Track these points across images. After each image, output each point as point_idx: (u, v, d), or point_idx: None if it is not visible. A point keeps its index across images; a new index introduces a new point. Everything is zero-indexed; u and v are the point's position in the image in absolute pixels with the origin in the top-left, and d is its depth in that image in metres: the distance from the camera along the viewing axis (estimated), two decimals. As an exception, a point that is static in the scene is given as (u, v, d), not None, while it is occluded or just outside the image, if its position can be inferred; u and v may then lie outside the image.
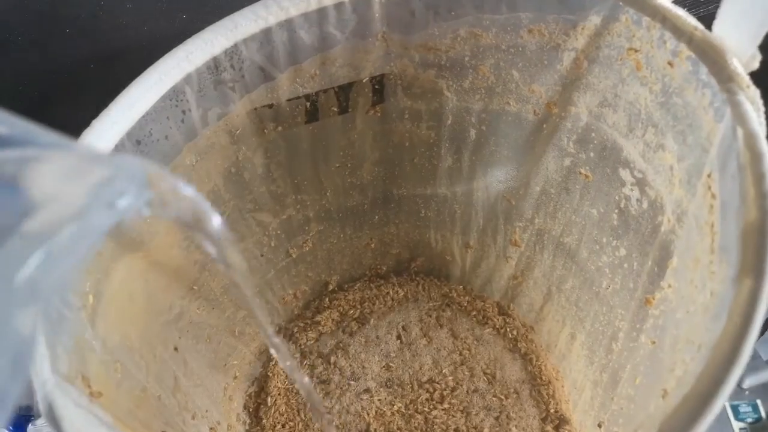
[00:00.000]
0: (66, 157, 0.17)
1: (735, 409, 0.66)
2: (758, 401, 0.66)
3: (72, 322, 0.29)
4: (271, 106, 0.41)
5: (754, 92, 0.25)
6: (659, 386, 0.29)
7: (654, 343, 0.33)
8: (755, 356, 0.70)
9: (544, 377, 0.55)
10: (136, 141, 0.34)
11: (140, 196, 0.18)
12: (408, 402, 0.54)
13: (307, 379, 0.52)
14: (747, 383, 0.68)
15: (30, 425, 0.49)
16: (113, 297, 0.34)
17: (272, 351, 0.33)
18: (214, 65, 0.36)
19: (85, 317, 0.30)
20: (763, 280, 0.21)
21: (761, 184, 0.23)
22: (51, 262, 0.15)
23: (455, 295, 0.60)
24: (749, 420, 0.64)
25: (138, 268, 0.36)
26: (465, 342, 0.57)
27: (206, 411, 0.45)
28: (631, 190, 0.37)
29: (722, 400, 0.20)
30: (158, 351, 0.39)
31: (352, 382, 0.55)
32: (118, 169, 0.18)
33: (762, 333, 0.54)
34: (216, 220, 0.22)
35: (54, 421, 0.23)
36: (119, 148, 0.32)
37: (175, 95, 0.35)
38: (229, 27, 0.36)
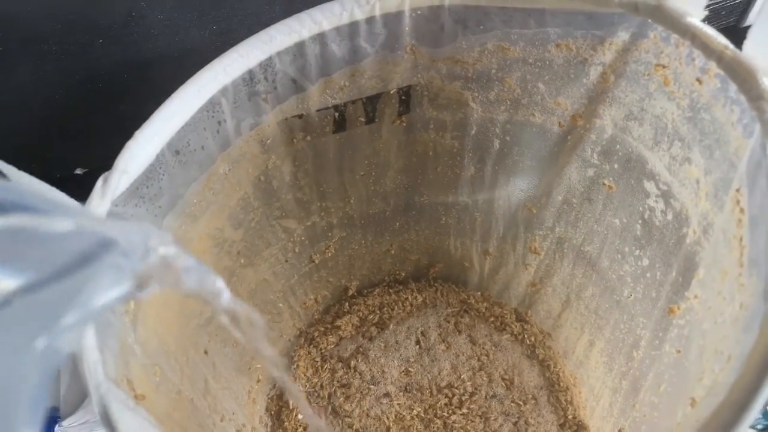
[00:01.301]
0: (64, 226, 0.16)
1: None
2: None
3: (117, 328, 0.30)
4: (301, 116, 0.42)
5: (784, 110, 0.26)
6: (686, 395, 0.30)
7: (679, 352, 0.34)
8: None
9: (562, 383, 0.55)
10: (175, 151, 0.35)
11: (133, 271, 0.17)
12: (427, 407, 0.55)
13: (317, 419, 0.52)
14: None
15: (57, 426, 0.50)
16: (151, 302, 0.35)
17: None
18: (249, 77, 0.37)
19: (128, 322, 0.31)
20: (795, 294, 0.22)
21: (792, 201, 0.24)
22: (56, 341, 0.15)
23: (473, 301, 0.61)
24: (759, 427, 0.64)
25: (174, 274, 0.37)
26: (483, 348, 0.58)
27: (233, 413, 0.46)
28: (656, 201, 0.37)
29: (757, 410, 0.21)
30: (190, 354, 0.40)
31: (372, 387, 0.56)
32: (122, 238, 0.17)
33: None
34: (225, 294, 0.22)
35: (109, 423, 0.24)
36: (160, 158, 0.33)
37: (212, 107, 0.36)
38: (265, 40, 0.37)
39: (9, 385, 0.14)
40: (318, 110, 0.42)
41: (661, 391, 0.36)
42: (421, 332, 0.60)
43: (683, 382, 0.32)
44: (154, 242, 0.18)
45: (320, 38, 0.38)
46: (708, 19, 0.47)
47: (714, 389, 0.26)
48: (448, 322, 0.60)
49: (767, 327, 0.23)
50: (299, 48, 0.38)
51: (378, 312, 0.61)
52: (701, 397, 0.27)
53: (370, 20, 0.38)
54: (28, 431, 0.15)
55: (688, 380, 0.31)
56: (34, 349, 0.15)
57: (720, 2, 0.44)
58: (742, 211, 0.28)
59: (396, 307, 0.61)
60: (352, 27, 0.38)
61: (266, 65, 0.38)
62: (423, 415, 0.54)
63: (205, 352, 0.43)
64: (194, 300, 0.42)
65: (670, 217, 0.37)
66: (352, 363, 0.57)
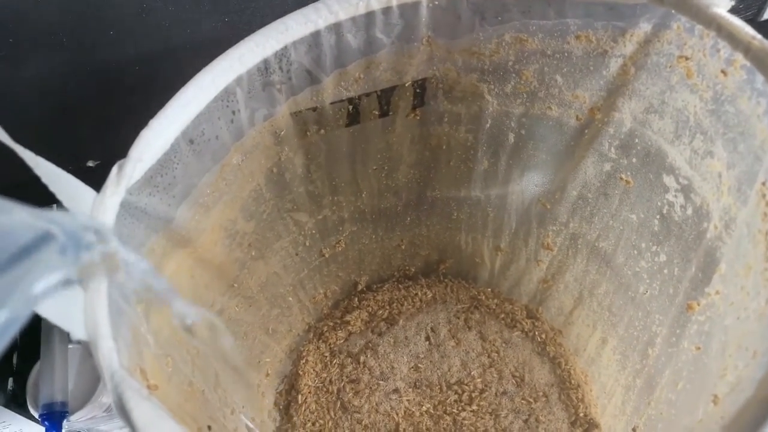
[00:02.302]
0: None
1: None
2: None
3: (130, 316, 0.30)
4: (315, 108, 0.41)
5: (814, 102, 0.26)
6: (707, 392, 0.29)
7: (699, 348, 0.33)
8: None
9: (573, 381, 0.55)
10: (189, 140, 0.34)
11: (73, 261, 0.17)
12: (436, 403, 0.55)
13: None
14: None
15: (65, 421, 0.50)
16: (164, 293, 0.34)
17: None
18: (264, 67, 0.37)
19: (140, 311, 0.31)
20: (827, 288, 0.22)
21: (823, 194, 0.23)
22: None
23: (483, 297, 0.61)
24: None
25: (186, 264, 0.37)
26: (493, 344, 0.58)
27: (243, 407, 0.46)
28: (675, 196, 0.37)
29: (788, 406, 0.21)
30: (202, 346, 0.39)
31: (381, 382, 0.56)
32: (61, 231, 0.17)
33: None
34: (173, 296, 0.22)
35: (124, 411, 0.24)
36: (174, 147, 0.33)
37: (226, 96, 0.36)
38: (280, 30, 0.37)
39: None
40: (332, 103, 0.42)
41: (680, 389, 0.35)
42: (431, 328, 0.59)
43: (704, 378, 0.31)
44: (92, 237, 0.18)
45: (336, 28, 0.38)
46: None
47: (739, 385, 0.25)
48: (458, 318, 0.60)
49: (797, 322, 0.22)
50: (315, 38, 0.38)
51: (387, 307, 0.60)
52: (725, 393, 0.27)
53: (386, 11, 0.38)
54: None
55: (709, 377, 0.30)
56: None
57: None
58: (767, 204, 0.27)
59: (406, 303, 0.61)
60: (369, 17, 0.38)
61: (281, 55, 0.37)
62: (432, 412, 0.54)
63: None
64: (206, 290, 0.42)
65: (689, 212, 0.36)
66: (362, 358, 0.57)
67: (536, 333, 0.58)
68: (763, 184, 0.28)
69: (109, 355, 0.25)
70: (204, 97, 0.34)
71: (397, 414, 0.54)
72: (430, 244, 0.59)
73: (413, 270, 0.62)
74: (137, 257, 0.20)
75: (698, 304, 0.34)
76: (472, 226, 0.56)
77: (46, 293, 0.16)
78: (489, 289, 0.61)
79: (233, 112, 0.37)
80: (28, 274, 0.16)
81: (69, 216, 0.18)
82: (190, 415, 0.34)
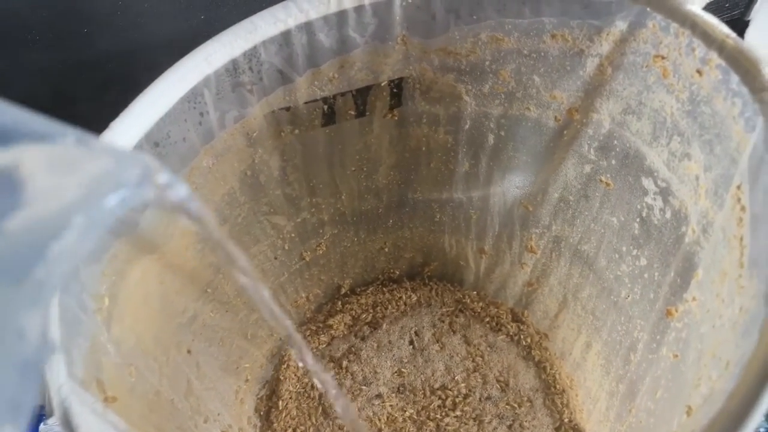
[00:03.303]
0: (62, 148, 0.17)
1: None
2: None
3: (87, 325, 0.29)
4: (288, 108, 0.41)
5: (788, 103, 0.25)
6: (682, 402, 0.28)
7: (676, 356, 0.33)
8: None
9: (558, 386, 0.54)
10: (154, 143, 0.33)
11: (140, 188, 0.18)
12: (420, 408, 0.54)
13: (329, 378, 0.51)
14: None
15: (41, 425, 0.49)
16: (128, 299, 0.33)
17: (291, 347, 0.31)
18: (233, 67, 0.36)
19: (100, 320, 0.30)
20: (798, 297, 0.21)
21: (796, 198, 0.22)
22: (56, 260, 0.15)
23: (468, 300, 0.60)
24: (762, 430, 0.63)
25: (153, 270, 0.36)
26: (478, 349, 0.57)
27: (218, 414, 0.45)
28: (654, 199, 0.36)
29: (756, 421, 0.20)
30: (172, 354, 0.39)
31: (363, 387, 0.55)
32: (118, 160, 0.17)
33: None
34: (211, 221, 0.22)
35: (70, 428, 0.23)
36: (138, 150, 0.32)
37: (193, 97, 0.35)
38: (249, 29, 0.36)
39: None
40: (306, 102, 0.41)
41: (658, 397, 0.34)
42: (415, 332, 0.58)
43: (680, 388, 0.30)
44: (151, 168, 0.18)
45: (307, 27, 0.37)
46: (711, 12, 0.46)
47: (711, 397, 0.24)
48: (443, 321, 0.59)
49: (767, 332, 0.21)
50: (285, 37, 0.37)
51: (371, 311, 0.60)
52: (698, 405, 0.26)
53: (359, 9, 0.37)
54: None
55: (684, 386, 0.29)
56: (29, 282, 0.14)
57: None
58: (743, 209, 0.26)
59: (390, 306, 0.60)
60: (341, 16, 0.37)
61: (251, 55, 0.36)
62: (416, 417, 0.53)
63: (189, 352, 0.41)
64: (177, 296, 0.41)
65: (668, 215, 0.35)
66: (344, 363, 0.56)
67: (521, 337, 0.57)
68: (738, 187, 0.27)
69: (57, 366, 0.24)
70: (168, 99, 0.33)
71: (380, 420, 0.53)
72: (413, 247, 0.58)
73: (398, 273, 0.61)
74: (188, 189, 0.21)
75: (676, 311, 0.34)
76: (455, 229, 0.55)
77: (118, 207, 0.17)
78: (474, 292, 0.60)
79: (201, 114, 0.36)
80: (100, 189, 0.16)
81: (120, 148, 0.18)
82: (156, 426, 0.33)
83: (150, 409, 0.34)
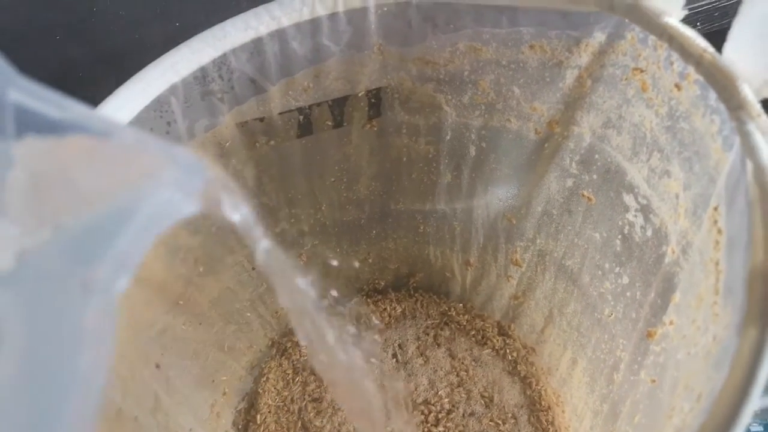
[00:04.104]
0: (119, 145, 0.17)
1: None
2: (771, 421, 0.64)
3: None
4: (262, 119, 0.39)
5: (766, 122, 0.24)
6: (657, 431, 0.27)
7: (654, 381, 0.31)
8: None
9: (543, 402, 0.53)
10: (115, 153, 0.32)
11: (196, 200, 0.17)
12: (402, 423, 0.52)
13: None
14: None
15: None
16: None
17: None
18: (202, 75, 0.35)
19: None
20: (769, 331, 0.20)
21: (771, 224, 0.21)
22: (115, 263, 0.15)
23: (454, 313, 0.59)
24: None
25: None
26: (463, 363, 0.56)
27: (190, 429, 0.44)
28: (635, 216, 0.35)
29: (721, 465, 0.18)
30: (137, 369, 0.37)
31: (344, 401, 0.54)
32: (174, 160, 0.17)
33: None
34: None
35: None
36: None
37: (159, 106, 0.34)
38: (218, 36, 0.35)
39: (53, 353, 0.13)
40: (281, 113, 0.40)
41: (636, 422, 0.33)
42: (399, 345, 0.57)
43: (656, 416, 0.29)
44: (202, 164, 0.18)
45: (279, 35, 0.36)
46: (700, 22, 0.44)
47: (681, 431, 0.23)
48: (427, 334, 0.58)
49: (738, 366, 0.20)
50: (257, 45, 0.36)
51: (354, 323, 0.58)
52: (669, 438, 0.25)
53: (332, 17, 0.36)
54: None
55: (660, 415, 0.28)
56: (83, 286, 0.14)
57: (713, 3, 0.42)
58: (719, 231, 0.25)
59: (373, 318, 0.58)
60: (314, 24, 0.36)
61: (220, 63, 0.35)
62: (397, 433, 0.52)
63: (157, 366, 0.40)
64: (146, 308, 0.39)
65: (649, 233, 0.34)
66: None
67: (507, 351, 0.56)
68: (715, 209, 0.26)
69: None
70: (132, 108, 0.32)
71: (360, 435, 0.52)
72: (398, 258, 0.57)
73: (383, 284, 0.60)
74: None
75: (655, 332, 0.32)
76: (440, 240, 0.54)
77: (173, 216, 0.17)
78: (461, 305, 0.59)
79: (168, 123, 0.35)
80: (158, 193, 0.16)
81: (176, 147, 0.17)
82: (115, 445, 0.32)
83: (110, 428, 0.33)
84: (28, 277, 0.14)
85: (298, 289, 0.24)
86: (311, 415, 0.53)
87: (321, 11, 0.36)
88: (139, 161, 0.16)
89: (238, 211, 0.20)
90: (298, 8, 0.35)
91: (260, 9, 0.35)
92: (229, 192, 0.19)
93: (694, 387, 0.24)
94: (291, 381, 0.55)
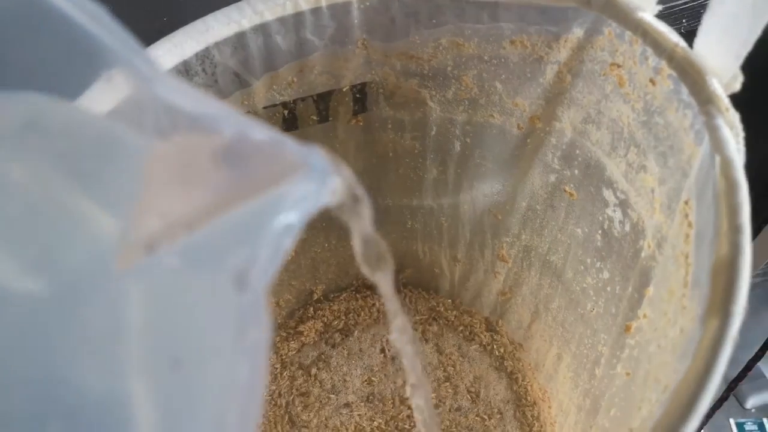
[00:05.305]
0: (255, 144, 0.16)
1: (740, 427, 0.64)
2: (764, 420, 0.64)
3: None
4: (247, 113, 0.40)
5: (734, 116, 0.24)
6: (627, 424, 0.27)
7: (629, 374, 0.31)
8: (759, 376, 0.68)
9: (529, 398, 0.53)
10: (97, 146, 0.33)
11: (326, 188, 0.17)
12: (388, 418, 0.53)
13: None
14: (750, 403, 0.66)
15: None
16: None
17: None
18: (185, 69, 0.35)
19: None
20: (729, 321, 0.20)
21: (735, 217, 0.21)
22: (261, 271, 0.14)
23: (442, 309, 0.59)
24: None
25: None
26: (450, 358, 0.56)
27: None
28: (614, 211, 0.35)
29: (677, 453, 0.19)
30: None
31: (332, 396, 0.54)
32: (309, 161, 0.16)
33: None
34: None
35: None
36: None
37: (141, 99, 0.34)
38: (201, 29, 0.35)
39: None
40: (265, 107, 0.40)
41: (612, 416, 0.33)
42: (387, 340, 0.57)
43: (628, 409, 0.29)
44: (335, 165, 0.18)
45: (263, 29, 0.36)
46: (688, 19, 0.44)
47: (646, 423, 0.23)
48: (416, 330, 0.58)
49: (700, 357, 0.20)
50: (240, 39, 0.36)
51: (343, 318, 0.59)
52: (636, 429, 0.25)
53: (315, 11, 0.36)
54: None
55: (632, 408, 0.28)
56: (237, 281, 0.14)
57: (698, 0, 0.42)
58: (690, 225, 0.25)
59: (362, 313, 0.59)
60: (297, 18, 0.36)
61: (203, 56, 0.35)
62: (384, 427, 0.52)
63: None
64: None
65: (627, 228, 0.34)
66: (313, 370, 0.55)
67: (495, 347, 0.56)
68: (686, 202, 0.26)
69: None
70: (112, 99, 0.33)
71: (347, 429, 0.52)
72: (387, 253, 0.57)
73: (372, 279, 0.60)
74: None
75: (632, 327, 0.32)
76: (427, 236, 0.54)
77: (296, 227, 0.16)
78: (449, 301, 0.59)
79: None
80: (279, 200, 0.16)
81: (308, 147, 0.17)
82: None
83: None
84: (165, 272, 0.13)
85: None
86: (298, 409, 0.53)
87: (304, 6, 0.36)
88: (275, 161, 0.16)
89: (361, 215, 0.19)
90: (281, 2, 0.35)
91: (243, 3, 0.35)
92: (357, 192, 0.19)
93: (662, 379, 0.24)
94: (278, 375, 0.55)
